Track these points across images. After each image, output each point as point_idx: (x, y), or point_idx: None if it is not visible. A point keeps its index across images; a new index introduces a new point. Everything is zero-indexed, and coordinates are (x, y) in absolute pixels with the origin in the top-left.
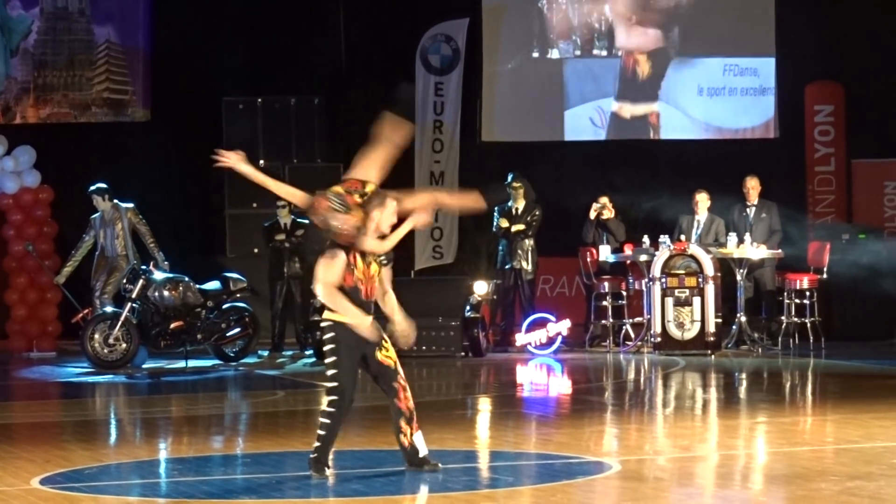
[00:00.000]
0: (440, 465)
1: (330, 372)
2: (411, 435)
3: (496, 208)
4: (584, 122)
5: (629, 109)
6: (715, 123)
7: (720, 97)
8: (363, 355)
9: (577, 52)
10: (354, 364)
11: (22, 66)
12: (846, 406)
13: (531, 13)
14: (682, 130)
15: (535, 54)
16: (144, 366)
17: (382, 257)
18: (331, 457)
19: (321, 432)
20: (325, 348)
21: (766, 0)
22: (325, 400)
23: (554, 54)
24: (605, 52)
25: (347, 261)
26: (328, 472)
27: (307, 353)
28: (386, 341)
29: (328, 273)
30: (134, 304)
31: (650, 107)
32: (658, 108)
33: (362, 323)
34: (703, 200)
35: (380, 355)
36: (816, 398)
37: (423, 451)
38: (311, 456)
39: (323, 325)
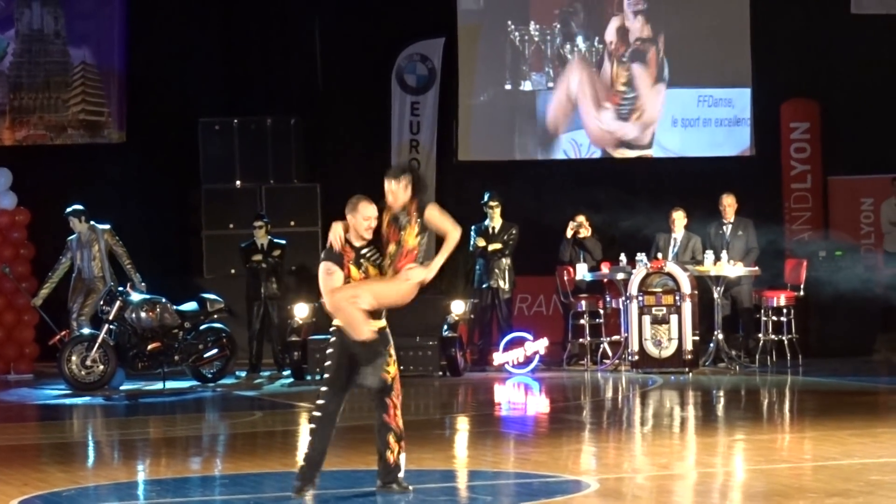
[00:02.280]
0: (411, 488)
1: (323, 380)
2: (398, 453)
3: (473, 227)
4: (558, 153)
5: (603, 138)
6: (690, 154)
7: (695, 128)
8: (355, 366)
9: (550, 84)
10: (346, 374)
11: None
12: (824, 423)
13: (505, 39)
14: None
15: (508, 86)
16: (122, 387)
17: (375, 256)
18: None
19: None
20: (326, 356)
21: (741, 31)
22: (314, 412)
23: (527, 86)
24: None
25: (343, 275)
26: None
27: (285, 373)
28: (391, 356)
29: (329, 284)
30: (111, 326)
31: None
32: (632, 133)
33: (363, 333)
34: (679, 218)
35: (370, 370)
36: (794, 415)
37: (401, 472)
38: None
39: (331, 331)
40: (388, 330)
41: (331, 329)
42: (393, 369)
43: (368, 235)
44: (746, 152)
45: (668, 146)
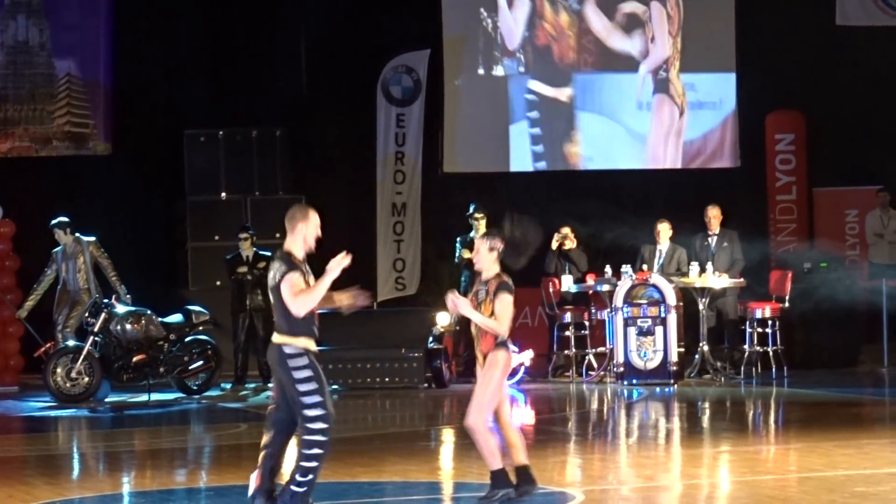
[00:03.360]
0: None
1: (312, 400)
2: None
3: (458, 239)
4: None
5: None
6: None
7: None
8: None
9: (522, 70)
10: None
11: None
12: (809, 434)
13: (490, 44)
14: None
15: (494, 98)
16: (107, 399)
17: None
18: None
19: (311, 464)
20: (302, 376)
21: (727, 43)
22: (313, 428)
23: (509, 69)
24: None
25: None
26: None
27: (269, 385)
28: None
29: (296, 286)
30: (96, 338)
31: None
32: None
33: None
34: (664, 230)
35: None
36: (779, 427)
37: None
38: (300, 490)
39: (289, 351)
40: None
41: (296, 352)
42: None
43: (313, 245)
44: (709, 135)
45: (633, 128)
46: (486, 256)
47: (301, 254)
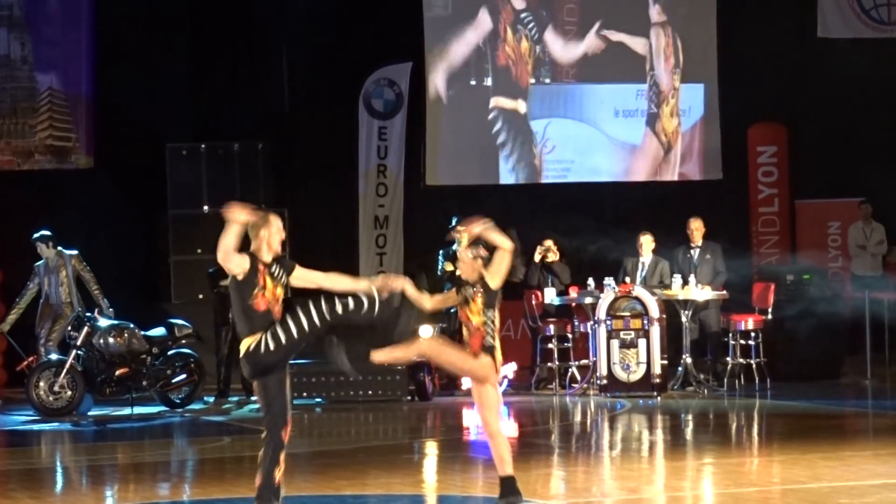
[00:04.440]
0: None
1: (268, 404)
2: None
3: (441, 252)
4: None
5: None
6: (630, 141)
7: (633, 118)
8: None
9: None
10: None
11: None
12: (792, 447)
13: (468, 55)
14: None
15: (476, 110)
16: (90, 413)
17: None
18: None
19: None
20: (259, 381)
21: (709, 55)
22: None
23: (495, 110)
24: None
25: (257, 282)
26: None
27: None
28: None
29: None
30: (79, 352)
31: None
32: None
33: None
34: (647, 242)
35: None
36: (763, 439)
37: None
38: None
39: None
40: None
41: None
42: None
43: (278, 248)
44: (684, 140)
45: (611, 134)
46: (471, 265)
47: (267, 258)
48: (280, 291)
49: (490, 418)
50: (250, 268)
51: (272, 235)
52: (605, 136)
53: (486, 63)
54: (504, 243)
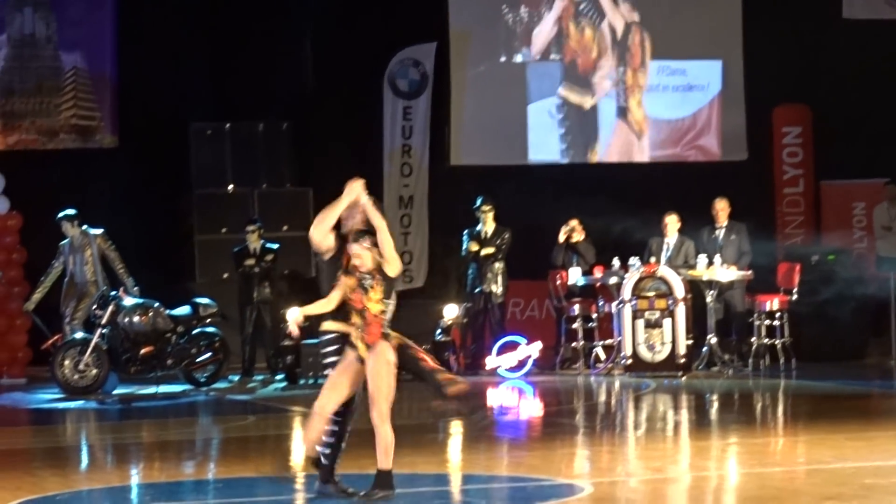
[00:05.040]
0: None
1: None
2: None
3: (465, 232)
4: (543, 117)
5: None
6: (652, 115)
7: (655, 93)
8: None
9: (538, 57)
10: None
11: None
12: (817, 427)
13: (497, 33)
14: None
15: (501, 90)
16: (115, 392)
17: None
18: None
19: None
20: (326, 362)
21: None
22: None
23: (517, 58)
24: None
25: (342, 263)
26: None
27: (277, 377)
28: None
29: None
30: (104, 331)
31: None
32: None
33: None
34: (672, 223)
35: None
36: (787, 419)
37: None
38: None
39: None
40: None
41: (329, 339)
42: None
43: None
44: (699, 113)
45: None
46: (367, 254)
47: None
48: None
49: (385, 407)
50: (337, 249)
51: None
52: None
53: (515, 40)
54: (380, 223)
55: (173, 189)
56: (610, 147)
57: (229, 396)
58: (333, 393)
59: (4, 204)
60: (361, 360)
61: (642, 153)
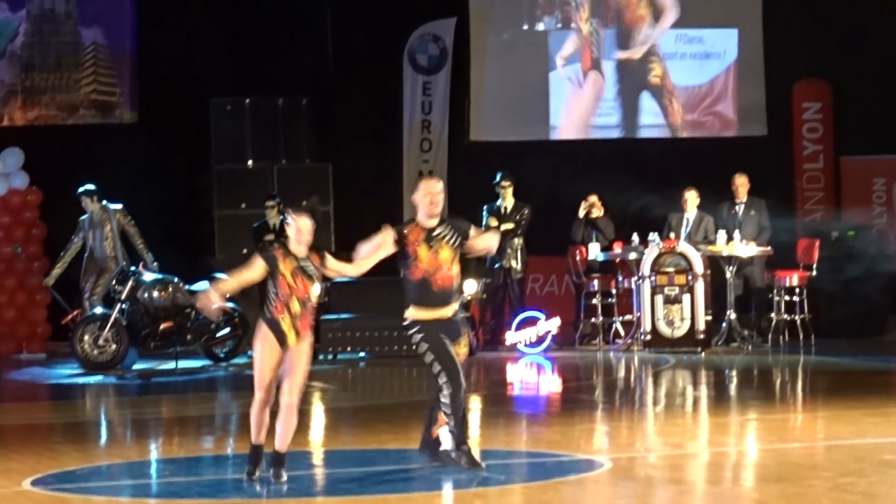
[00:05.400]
0: (454, 456)
1: (432, 365)
2: (440, 426)
3: (485, 207)
4: (563, 83)
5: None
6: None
7: (672, 60)
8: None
9: (559, 25)
10: (448, 347)
11: (9, 69)
12: (836, 403)
13: (519, 3)
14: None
15: (520, 65)
16: (134, 367)
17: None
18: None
19: (448, 411)
20: (419, 350)
21: (754, 11)
22: (442, 395)
23: (539, 27)
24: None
25: (408, 253)
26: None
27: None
28: (463, 336)
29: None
30: (123, 306)
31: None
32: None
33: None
34: (692, 198)
35: (454, 349)
36: (807, 395)
37: (447, 444)
38: (462, 448)
39: (405, 325)
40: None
41: (407, 324)
42: (464, 351)
43: (436, 210)
44: (716, 80)
45: None
46: (309, 232)
47: (428, 222)
48: (446, 254)
49: (298, 389)
50: (398, 240)
51: (420, 201)
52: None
53: (537, 9)
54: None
55: (193, 164)
56: (632, 116)
57: (248, 372)
58: (302, 379)
59: (24, 179)
60: (284, 346)
61: (669, 119)
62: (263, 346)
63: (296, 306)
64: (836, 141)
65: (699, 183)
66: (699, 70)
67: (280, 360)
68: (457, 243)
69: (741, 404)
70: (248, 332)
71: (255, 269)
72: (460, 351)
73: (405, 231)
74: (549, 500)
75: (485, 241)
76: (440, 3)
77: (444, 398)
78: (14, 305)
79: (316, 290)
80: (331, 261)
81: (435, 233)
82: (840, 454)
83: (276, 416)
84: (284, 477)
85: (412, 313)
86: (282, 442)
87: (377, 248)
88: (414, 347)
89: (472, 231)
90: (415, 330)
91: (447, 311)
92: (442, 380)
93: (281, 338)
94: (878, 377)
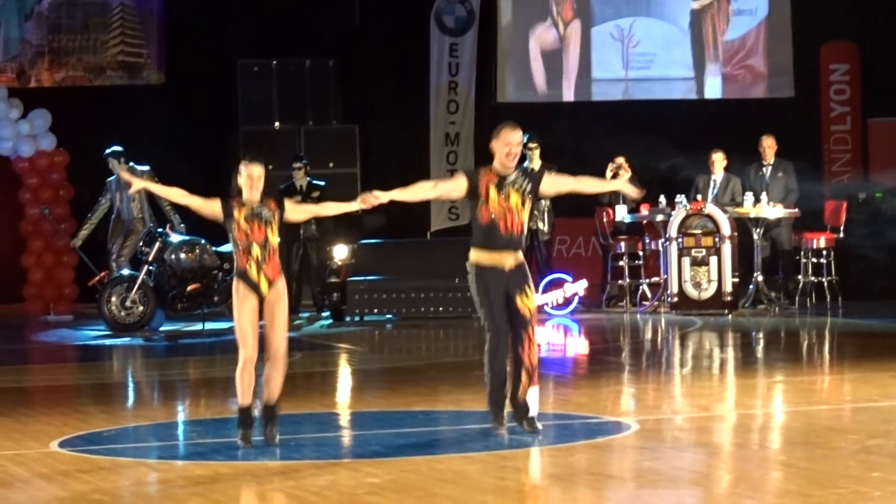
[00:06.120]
0: (540, 427)
1: (481, 315)
2: (526, 390)
3: None
4: (605, 39)
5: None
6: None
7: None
8: (507, 295)
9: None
10: (501, 303)
11: (36, 30)
12: (863, 365)
13: None
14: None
15: (548, 27)
16: (161, 328)
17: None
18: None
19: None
20: (473, 295)
21: None
22: (486, 346)
23: (570, 27)
24: None
25: (479, 193)
26: (502, 427)
27: (324, 314)
28: (529, 287)
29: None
30: (151, 267)
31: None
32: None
33: None
34: (719, 160)
35: (519, 300)
36: (834, 357)
37: (533, 410)
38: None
39: (467, 268)
40: (525, 266)
41: (468, 266)
42: (531, 302)
43: (511, 163)
44: (751, 36)
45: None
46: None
47: (504, 170)
48: (515, 200)
49: (283, 337)
50: (469, 185)
51: (499, 150)
52: (681, 32)
53: None
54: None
55: (219, 126)
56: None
57: None
58: (250, 338)
59: (51, 141)
60: (260, 297)
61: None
62: (238, 300)
63: (256, 251)
64: (864, 103)
65: (726, 145)
66: (731, 26)
67: (257, 312)
68: (528, 190)
69: (768, 366)
70: None
71: (207, 203)
72: (526, 303)
73: (479, 174)
74: (575, 462)
75: (566, 182)
76: None
77: (486, 351)
78: (42, 267)
79: (274, 234)
80: (292, 206)
81: (508, 179)
82: (867, 416)
83: (266, 372)
84: (277, 438)
85: (474, 255)
86: (273, 394)
87: (438, 186)
88: (469, 294)
89: (547, 178)
90: (472, 274)
91: (509, 259)
92: (486, 333)
93: (253, 286)
94: None
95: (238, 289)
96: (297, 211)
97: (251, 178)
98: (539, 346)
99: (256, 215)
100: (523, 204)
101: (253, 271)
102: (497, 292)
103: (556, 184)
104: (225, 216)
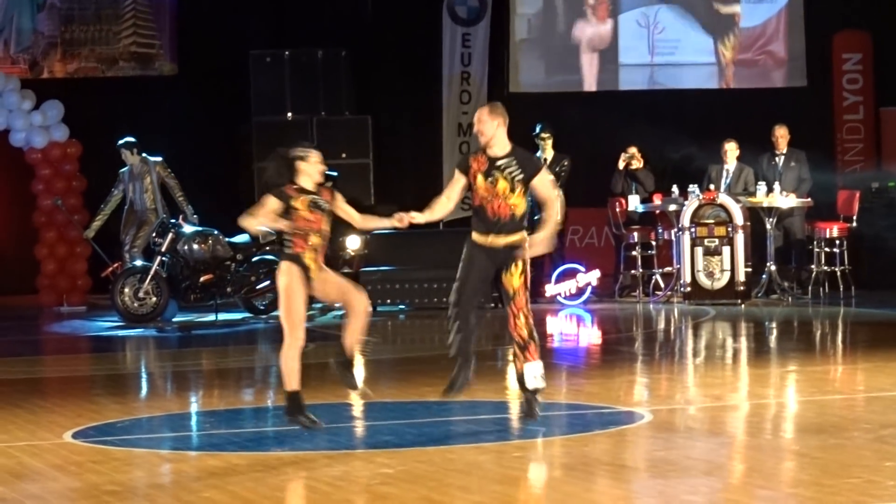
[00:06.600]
0: (537, 412)
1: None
2: (522, 363)
3: None
4: (632, 26)
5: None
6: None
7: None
8: (497, 273)
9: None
10: (480, 272)
11: (49, 21)
12: (877, 354)
13: None
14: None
15: (560, 17)
16: (174, 319)
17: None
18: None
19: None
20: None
21: None
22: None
23: (582, 16)
24: None
25: (469, 180)
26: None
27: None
28: (515, 266)
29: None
30: (163, 258)
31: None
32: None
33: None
34: (731, 150)
35: (504, 277)
36: (847, 346)
37: (529, 384)
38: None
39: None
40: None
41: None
42: (516, 280)
43: (482, 140)
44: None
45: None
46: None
47: (497, 152)
48: (503, 185)
49: (358, 289)
50: (466, 168)
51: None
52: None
53: None
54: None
55: (232, 117)
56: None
57: None
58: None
59: (64, 132)
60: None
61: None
62: (291, 281)
63: (314, 239)
64: (877, 92)
65: (739, 134)
66: (752, 13)
67: (307, 295)
68: (517, 177)
69: (781, 356)
70: None
71: (269, 205)
72: (510, 280)
73: (470, 161)
74: (588, 452)
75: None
76: None
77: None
78: (55, 258)
79: (328, 223)
80: (342, 201)
81: (498, 163)
82: (881, 406)
83: (346, 326)
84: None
85: (472, 234)
86: (356, 345)
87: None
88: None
89: (540, 177)
90: (466, 245)
91: (498, 240)
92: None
93: (305, 271)
94: None
95: (290, 270)
96: (342, 208)
97: (321, 166)
98: (527, 318)
99: (316, 204)
100: (512, 190)
101: (308, 257)
102: (480, 263)
103: (540, 186)
104: (284, 206)
